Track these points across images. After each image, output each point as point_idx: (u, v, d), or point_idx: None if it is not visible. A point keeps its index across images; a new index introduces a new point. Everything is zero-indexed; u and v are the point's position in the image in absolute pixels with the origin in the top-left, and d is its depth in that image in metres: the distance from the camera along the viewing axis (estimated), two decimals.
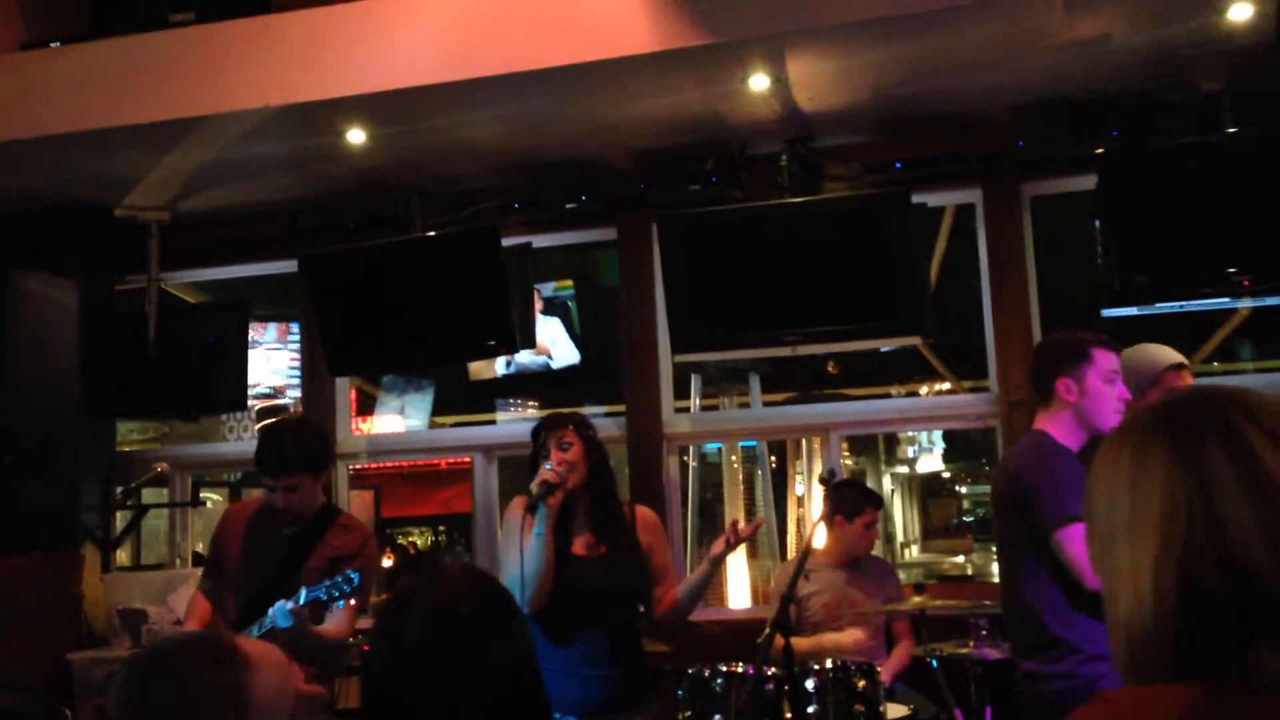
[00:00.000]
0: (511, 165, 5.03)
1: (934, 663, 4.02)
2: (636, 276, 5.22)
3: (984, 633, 4.03)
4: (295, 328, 6.31)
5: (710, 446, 11.03)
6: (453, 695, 1.42)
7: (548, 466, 3.16)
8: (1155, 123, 4.41)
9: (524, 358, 5.83)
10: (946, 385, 10.33)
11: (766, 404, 9.88)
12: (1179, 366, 3.50)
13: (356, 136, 4.58)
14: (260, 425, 3.55)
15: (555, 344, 5.98)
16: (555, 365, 6.05)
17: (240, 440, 6.73)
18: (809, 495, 11.37)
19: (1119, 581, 1.07)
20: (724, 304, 4.77)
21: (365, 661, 1.49)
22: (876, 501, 4.70)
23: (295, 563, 3.41)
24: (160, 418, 6.80)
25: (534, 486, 3.14)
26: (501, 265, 4.90)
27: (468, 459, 5.94)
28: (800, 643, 4.23)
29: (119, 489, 5.29)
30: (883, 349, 7.22)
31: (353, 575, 3.18)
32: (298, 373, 5.99)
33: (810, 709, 3.41)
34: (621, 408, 5.34)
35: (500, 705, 1.44)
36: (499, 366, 6.27)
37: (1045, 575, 2.74)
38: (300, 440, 3.45)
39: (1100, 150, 4.42)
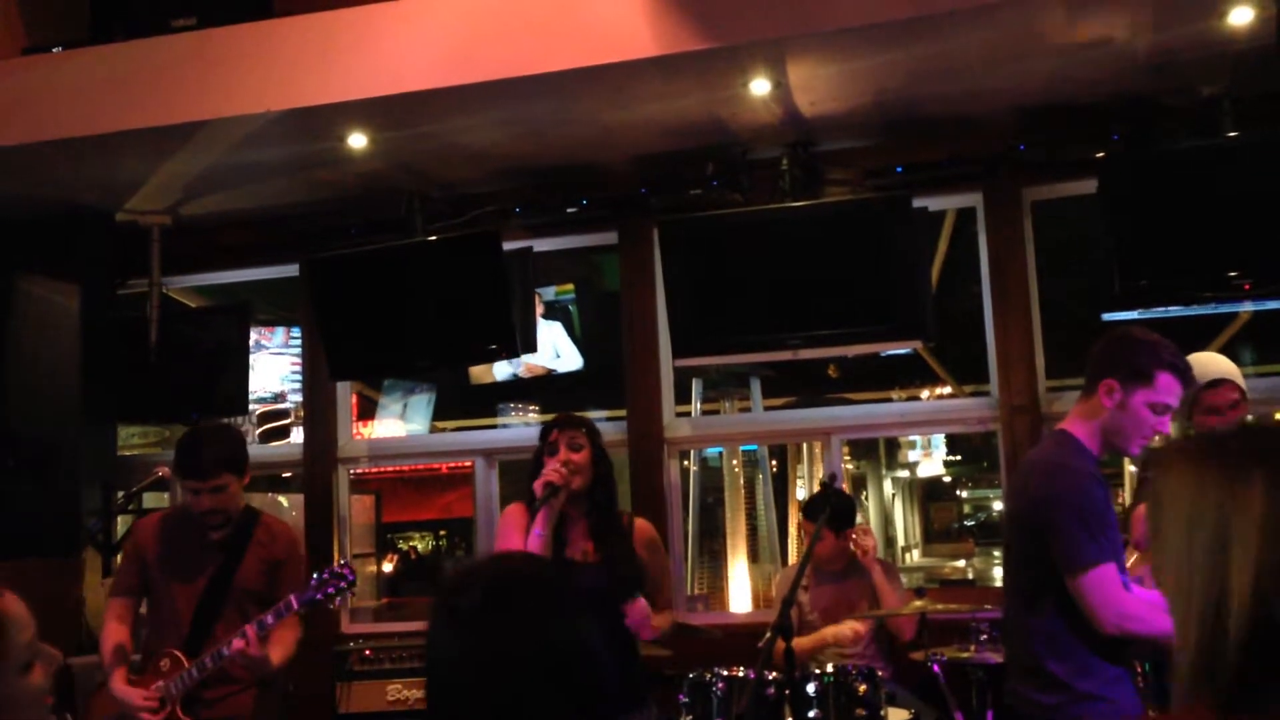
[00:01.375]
0: (513, 169, 5.04)
1: (935, 667, 4.02)
2: (637, 280, 5.22)
3: (985, 637, 4.03)
4: (297, 332, 6.31)
5: (711, 451, 11.03)
6: (516, 667, 1.40)
7: (554, 467, 3.16)
8: (1156, 126, 4.41)
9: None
10: (947, 389, 10.35)
11: (767, 408, 9.89)
12: (1215, 383, 3.51)
13: (358, 141, 4.59)
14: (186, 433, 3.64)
15: (557, 348, 5.99)
16: (557, 370, 6.06)
17: None
18: None
19: (1178, 611, 1.08)
20: (725, 308, 4.77)
21: (427, 646, 1.47)
22: (808, 513, 4.61)
23: (231, 566, 3.46)
24: (161, 422, 6.79)
25: (537, 487, 3.14)
26: (503, 269, 4.90)
27: (469, 463, 5.93)
28: (802, 641, 4.23)
29: (120, 493, 5.28)
30: (883, 353, 7.22)
31: (340, 570, 3.28)
32: (299, 377, 5.99)
33: (811, 713, 3.41)
34: (622, 412, 5.34)
35: (566, 680, 1.41)
36: (506, 369, 6.26)
37: (1050, 605, 2.62)
38: (221, 440, 3.48)
39: (1101, 154, 4.41)
